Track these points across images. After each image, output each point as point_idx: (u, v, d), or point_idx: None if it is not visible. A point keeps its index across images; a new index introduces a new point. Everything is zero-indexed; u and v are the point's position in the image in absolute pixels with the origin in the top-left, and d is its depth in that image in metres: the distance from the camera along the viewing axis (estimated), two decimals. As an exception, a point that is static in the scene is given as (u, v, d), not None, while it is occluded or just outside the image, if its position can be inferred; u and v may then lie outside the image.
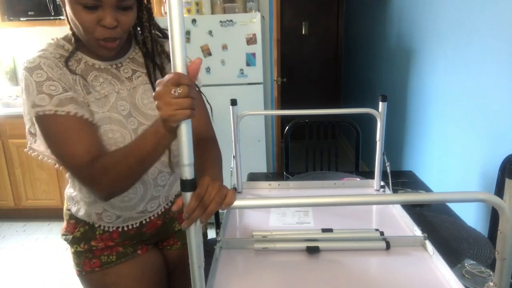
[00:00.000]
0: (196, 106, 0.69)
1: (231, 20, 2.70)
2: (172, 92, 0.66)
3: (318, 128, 2.27)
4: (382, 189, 1.47)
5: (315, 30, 5.08)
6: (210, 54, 2.76)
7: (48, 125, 0.88)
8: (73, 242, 1.09)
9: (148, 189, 1.05)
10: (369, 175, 1.62)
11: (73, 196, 1.09)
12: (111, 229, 1.08)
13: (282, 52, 3.60)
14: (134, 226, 1.10)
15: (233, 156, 1.41)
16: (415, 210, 1.43)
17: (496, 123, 1.63)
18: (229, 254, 1.06)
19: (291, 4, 4.98)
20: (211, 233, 1.33)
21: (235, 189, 1.47)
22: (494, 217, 1.49)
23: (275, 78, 3.22)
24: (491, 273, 1.04)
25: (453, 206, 1.49)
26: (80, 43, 0.95)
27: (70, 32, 0.95)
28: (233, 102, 1.37)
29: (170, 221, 1.18)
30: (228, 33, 2.73)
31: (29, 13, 3.03)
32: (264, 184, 1.52)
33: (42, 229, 3.14)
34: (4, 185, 3.16)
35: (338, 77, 5.22)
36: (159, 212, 1.13)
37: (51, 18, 3.00)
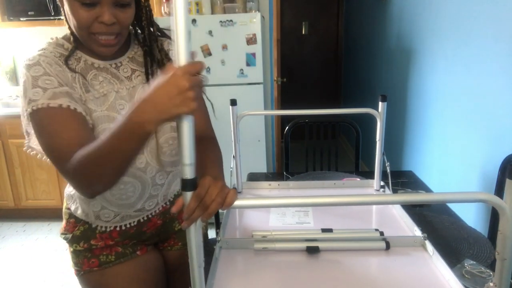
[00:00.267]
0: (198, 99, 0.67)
1: (231, 20, 2.70)
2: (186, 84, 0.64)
3: (318, 128, 2.27)
4: (382, 189, 1.47)
5: (315, 30, 5.08)
6: (210, 54, 2.76)
7: (41, 119, 0.86)
8: (72, 241, 1.08)
9: (146, 188, 1.05)
10: (369, 175, 1.62)
11: (72, 195, 1.09)
12: (109, 229, 1.08)
13: (282, 52, 3.60)
14: (133, 224, 1.09)
15: (233, 156, 1.41)
16: (415, 210, 1.42)
17: (496, 123, 1.63)
18: (229, 254, 1.06)
19: (291, 4, 4.98)
20: (211, 233, 1.33)
21: (235, 189, 1.47)
22: (494, 217, 1.49)
23: (275, 78, 3.22)
24: (491, 273, 1.04)
25: (453, 206, 1.49)
26: (79, 42, 0.95)
27: (69, 32, 0.96)
28: (233, 102, 1.37)
29: (170, 221, 1.18)
30: (228, 33, 2.73)
31: (29, 13, 3.03)
32: (264, 184, 1.52)
33: (42, 229, 3.14)
34: (4, 185, 3.16)
35: (338, 77, 5.22)
36: (157, 211, 1.13)
37: (51, 18, 2.99)
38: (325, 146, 2.27)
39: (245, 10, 2.92)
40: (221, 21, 2.71)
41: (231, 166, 1.38)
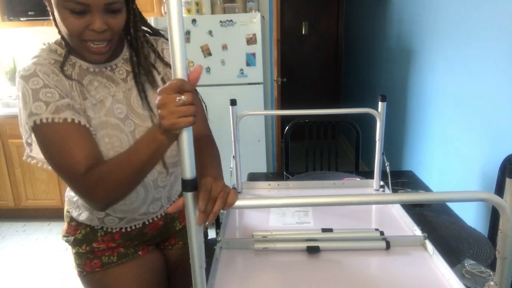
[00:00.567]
0: (197, 112, 0.69)
1: (231, 20, 2.70)
2: (177, 100, 0.66)
3: (318, 128, 2.27)
4: (382, 189, 1.47)
5: (315, 30, 5.08)
6: (210, 54, 2.76)
7: (45, 134, 0.86)
8: (74, 244, 1.09)
9: (149, 191, 1.05)
10: (369, 175, 1.62)
11: (74, 201, 1.08)
12: (113, 231, 1.08)
13: (282, 52, 3.60)
14: (137, 226, 1.10)
15: (233, 156, 1.41)
16: (415, 210, 1.42)
17: (496, 123, 1.63)
18: (229, 254, 1.06)
19: (291, 4, 4.98)
20: (211, 233, 1.33)
21: (235, 189, 1.47)
22: (494, 217, 1.49)
23: (275, 78, 3.22)
24: (491, 273, 1.04)
25: (453, 206, 1.49)
26: (71, 47, 0.93)
27: (60, 36, 0.94)
28: (233, 102, 1.37)
29: (171, 220, 1.18)
30: (228, 33, 2.73)
31: (29, 13, 3.03)
32: (264, 184, 1.52)
33: (42, 229, 3.14)
34: (4, 185, 3.16)
35: (338, 77, 5.22)
36: (162, 213, 1.13)
37: (51, 18, 2.99)
38: (325, 146, 2.27)
39: (245, 10, 2.92)
40: (221, 21, 2.71)
41: (231, 166, 1.38)
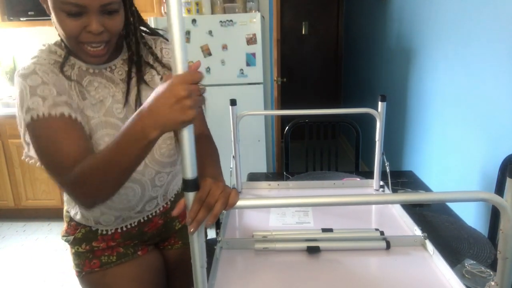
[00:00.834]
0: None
1: (231, 20, 2.70)
2: (200, 88, 0.66)
3: (318, 128, 2.27)
4: (382, 189, 1.47)
5: (315, 30, 5.08)
6: (210, 54, 2.76)
7: (41, 128, 0.84)
8: (74, 243, 1.08)
9: (146, 190, 1.05)
10: (369, 175, 1.62)
11: (70, 200, 1.09)
12: (109, 233, 1.08)
13: (282, 52, 3.60)
14: (133, 225, 1.09)
15: (233, 156, 1.41)
16: (415, 210, 1.42)
17: (496, 123, 1.63)
18: (230, 254, 1.06)
19: (291, 4, 4.98)
20: (211, 233, 1.33)
21: (235, 189, 1.47)
22: (494, 217, 1.49)
23: (275, 78, 3.22)
24: (492, 273, 1.04)
25: (453, 206, 1.49)
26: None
27: (59, 38, 0.93)
28: (233, 102, 1.37)
29: (171, 220, 1.18)
30: (228, 33, 2.73)
31: (29, 13, 3.03)
32: (264, 184, 1.52)
33: (42, 229, 3.14)
34: (4, 185, 3.16)
35: (338, 77, 5.22)
36: (158, 211, 1.13)
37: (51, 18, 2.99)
38: (325, 146, 2.27)
39: (245, 10, 2.92)
40: (221, 21, 2.71)
41: (231, 166, 1.38)
